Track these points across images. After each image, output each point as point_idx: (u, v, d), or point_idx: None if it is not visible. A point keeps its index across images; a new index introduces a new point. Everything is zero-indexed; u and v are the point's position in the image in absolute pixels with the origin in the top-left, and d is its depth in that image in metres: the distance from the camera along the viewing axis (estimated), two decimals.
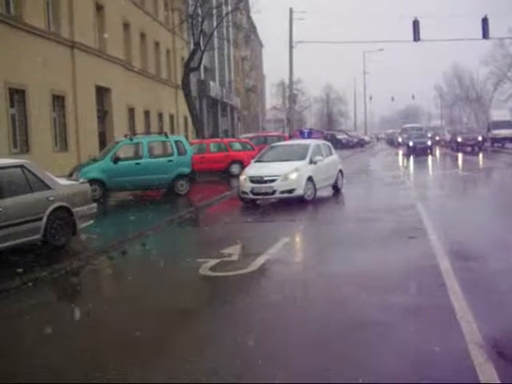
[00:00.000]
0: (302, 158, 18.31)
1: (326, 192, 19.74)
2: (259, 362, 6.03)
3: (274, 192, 17.34)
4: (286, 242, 12.09)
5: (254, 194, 17.54)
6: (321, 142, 21.74)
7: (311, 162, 18.24)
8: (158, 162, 20.92)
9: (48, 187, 11.78)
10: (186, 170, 21.10)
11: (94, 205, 13.37)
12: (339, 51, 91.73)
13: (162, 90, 40.93)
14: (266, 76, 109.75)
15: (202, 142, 30.19)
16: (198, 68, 38.60)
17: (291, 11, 48.54)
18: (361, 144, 70.72)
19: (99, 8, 29.88)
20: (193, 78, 40.84)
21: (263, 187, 17.36)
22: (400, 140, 55.51)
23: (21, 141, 22.45)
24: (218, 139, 33.11)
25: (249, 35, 73.93)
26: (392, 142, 70.50)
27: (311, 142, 20.18)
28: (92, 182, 17.00)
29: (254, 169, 18.40)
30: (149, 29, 38.11)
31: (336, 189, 20.09)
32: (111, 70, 30.64)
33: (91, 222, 13.01)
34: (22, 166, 11.65)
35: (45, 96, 23.82)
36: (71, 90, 26.19)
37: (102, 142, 29.09)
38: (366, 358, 5.97)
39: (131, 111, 34.50)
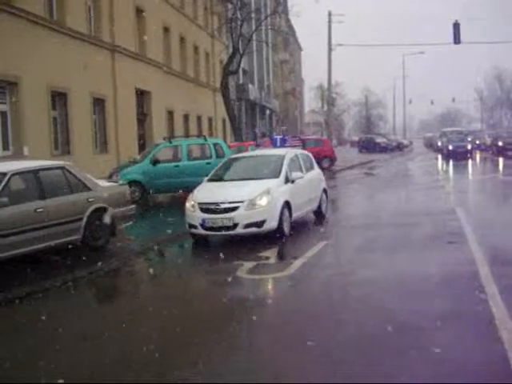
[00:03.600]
0: (275, 174, 13.37)
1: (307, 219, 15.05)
2: (295, 364, 6.03)
3: (235, 226, 12.11)
4: (325, 244, 12.08)
5: (207, 228, 12.29)
6: (298, 151, 16.04)
7: (287, 180, 13.38)
8: (196, 165, 21.00)
9: (88, 188, 11.96)
10: None
11: (133, 206, 13.52)
12: (378, 54, 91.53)
13: (201, 92, 41.18)
14: (304, 79, 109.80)
15: (241, 144, 30.26)
16: (236, 71, 38.73)
17: (330, 14, 48.48)
18: (399, 148, 70.22)
19: (139, 12, 30.21)
20: (231, 81, 41.05)
21: (219, 219, 12.16)
22: (439, 144, 54.79)
23: (62, 143, 22.82)
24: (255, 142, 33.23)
25: (287, 38, 74.09)
26: (431, 146, 69.75)
27: (286, 153, 14.58)
28: (131, 183, 17.20)
29: (207, 191, 13.17)
30: (188, 32, 38.40)
31: (319, 214, 15.53)
32: (151, 73, 30.93)
33: (130, 223, 13.16)
34: (62, 168, 11.84)
35: (86, 99, 24.17)
36: (112, 93, 26.53)
37: (142, 145, 29.41)
38: (403, 363, 5.91)
39: (170, 114, 34.79)
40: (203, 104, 41.37)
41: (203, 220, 12.23)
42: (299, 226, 13.99)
